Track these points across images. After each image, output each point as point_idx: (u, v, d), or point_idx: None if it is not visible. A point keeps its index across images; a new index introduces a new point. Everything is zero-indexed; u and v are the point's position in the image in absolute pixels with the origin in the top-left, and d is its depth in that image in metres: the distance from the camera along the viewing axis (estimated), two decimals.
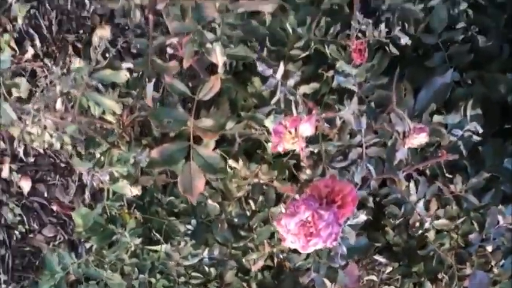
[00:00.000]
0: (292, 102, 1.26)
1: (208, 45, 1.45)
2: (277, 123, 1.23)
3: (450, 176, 1.48)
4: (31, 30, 2.33)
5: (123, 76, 1.56)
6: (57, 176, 2.34)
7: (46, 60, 1.89)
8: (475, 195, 1.52)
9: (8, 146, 2.30)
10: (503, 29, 1.68)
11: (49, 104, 1.59)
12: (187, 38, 1.48)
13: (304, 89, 1.32)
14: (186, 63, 1.49)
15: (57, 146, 1.68)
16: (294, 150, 1.27)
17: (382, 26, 1.49)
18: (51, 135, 1.69)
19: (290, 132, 1.23)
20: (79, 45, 2.31)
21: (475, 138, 1.45)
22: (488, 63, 1.67)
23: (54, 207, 2.34)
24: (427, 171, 1.56)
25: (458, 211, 1.55)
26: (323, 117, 1.27)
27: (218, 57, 1.46)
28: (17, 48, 2.31)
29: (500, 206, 1.48)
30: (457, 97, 1.60)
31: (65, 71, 1.69)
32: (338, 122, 1.31)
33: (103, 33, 1.57)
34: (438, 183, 1.52)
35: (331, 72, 1.59)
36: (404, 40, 1.48)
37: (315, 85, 1.35)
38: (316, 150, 1.33)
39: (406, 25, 1.51)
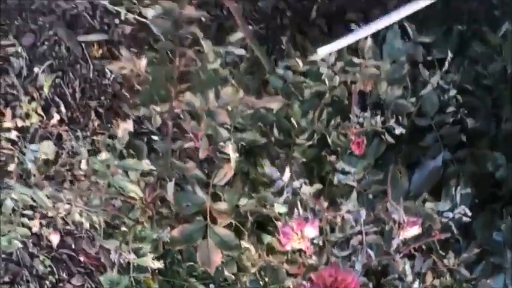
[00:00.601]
0: (298, 203, 1.43)
1: (222, 143, 1.61)
2: (285, 225, 1.39)
3: (443, 254, 1.64)
4: (56, 98, 2.49)
5: (145, 166, 1.72)
6: (84, 230, 2.50)
7: (74, 143, 2.06)
8: (467, 268, 1.67)
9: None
10: (491, 109, 1.83)
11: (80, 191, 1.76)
12: (202, 133, 1.65)
13: (308, 189, 1.48)
14: (202, 154, 1.66)
15: (87, 225, 1.85)
16: None
17: (378, 118, 1.65)
18: (80, 214, 1.86)
19: (297, 234, 1.40)
20: (101, 110, 2.48)
21: (465, 219, 1.60)
22: (477, 141, 1.82)
23: (82, 258, 2.50)
24: (423, 245, 1.71)
25: (452, 282, 1.70)
26: (326, 215, 1.44)
27: (231, 153, 1.62)
28: (43, 115, 2.48)
29: (489, 280, 1.63)
30: (449, 175, 1.75)
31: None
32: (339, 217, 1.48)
33: (126, 127, 1.73)
34: (433, 256, 1.68)
35: (333, 157, 1.75)
36: (399, 130, 1.65)
37: (317, 186, 1.51)
38: (321, 242, 1.49)
39: (400, 117, 1.66)
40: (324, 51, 1.62)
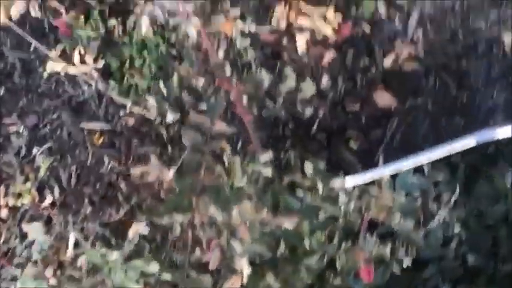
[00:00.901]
0: None
1: (236, 257, 1.64)
2: None
3: None
4: (51, 181, 2.49)
5: (154, 267, 1.73)
6: None
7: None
8: None
9: None
10: (491, 248, 1.90)
11: None
12: (215, 242, 1.67)
13: None
14: (213, 265, 1.68)
15: None
16: None
17: (388, 248, 1.70)
18: None
19: None
20: (95, 198, 2.48)
21: None
22: (476, 278, 1.87)
23: None
24: None
25: None
26: None
27: (244, 267, 1.65)
28: (36, 196, 2.46)
29: None
30: None
31: None
32: None
33: (138, 228, 1.75)
34: None
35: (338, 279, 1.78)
36: (407, 262, 1.70)
37: None
38: None
39: (409, 248, 1.72)
40: (351, 182, 1.68)
